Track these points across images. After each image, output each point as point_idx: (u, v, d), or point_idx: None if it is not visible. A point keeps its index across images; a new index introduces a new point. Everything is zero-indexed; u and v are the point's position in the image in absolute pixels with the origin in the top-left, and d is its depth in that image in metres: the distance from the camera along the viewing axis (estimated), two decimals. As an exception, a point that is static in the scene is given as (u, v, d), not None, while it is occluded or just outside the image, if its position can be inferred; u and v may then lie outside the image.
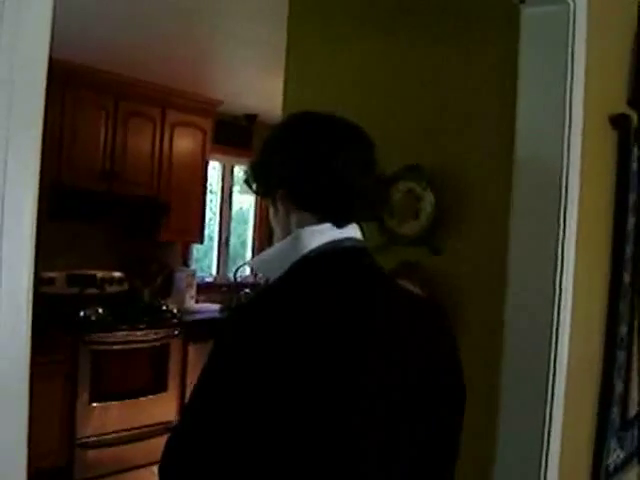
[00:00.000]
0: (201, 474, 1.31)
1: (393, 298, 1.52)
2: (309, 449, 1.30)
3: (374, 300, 1.46)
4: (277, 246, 1.53)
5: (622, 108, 2.60)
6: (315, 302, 1.38)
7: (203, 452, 1.29)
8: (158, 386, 6.00)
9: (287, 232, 1.51)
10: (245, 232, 8.31)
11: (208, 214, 7.33)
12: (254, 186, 1.58)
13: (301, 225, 1.47)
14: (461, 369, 1.56)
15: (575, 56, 2.14)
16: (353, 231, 1.49)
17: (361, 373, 1.36)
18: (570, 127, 2.14)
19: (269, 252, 1.55)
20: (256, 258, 1.65)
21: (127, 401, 5.75)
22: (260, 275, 7.47)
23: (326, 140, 1.49)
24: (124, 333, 5.78)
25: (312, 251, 1.44)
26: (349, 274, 1.46)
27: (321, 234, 1.45)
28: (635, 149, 2.60)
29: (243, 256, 8.15)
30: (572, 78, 2.13)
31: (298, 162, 1.48)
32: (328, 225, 1.46)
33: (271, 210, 1.57)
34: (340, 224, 1.47)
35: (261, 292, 1.61)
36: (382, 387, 1.38)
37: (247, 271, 7.63)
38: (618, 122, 2.51)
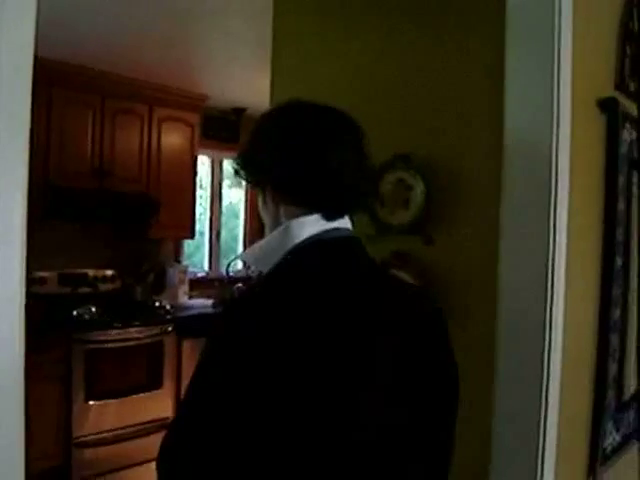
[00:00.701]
0: (198, 468, 1.30)
1: (385, 288, 1.52)
2: (305, 442, 1.30)
3: (367, 290, 1.45)
4: (267, 238, 1.52)
5: (610, 92, 2.60)
6: (308, 293, 1.37)
7: (199, 447, 1.29)
8: (153, 383, 6.00)
9: (277, 223, 1.50)
10: (236, 226, 8.30)
11: (198, 209, 7.31)
12: (243, 175, 1.56)
13: (290, 217, 1.46)
14: (453, 358, 1.56)
15: (562, 40, 2.14)
16: (343, 221, 1.49)
17: (358, 364, 1.35)
18: (559, 112, 2.14)
19: (259, 244, 1.53)
20: (247, 251, 1.63)
21: (123, 399, 5.75)
22: (252, 268, 7.47)
23: (315, 132, 1.46)
24: (118, 331, 5.78)
25: (302, 242, 1.43)
26: (340, 264, 1.45)
27: (311, 225, 1.44)
28: (624, 132, 2.60)
29: (235, 250, 8.15)
30: (559, 62, 2.13)
31: (286, 156, 1.46)
32: (317, 216, 1.45)
33: (260, 200, 1.56)
34: (331, 217, 1.46)
35: (254, 285, 1.60)
36: (379, 377, 1.38)
37: (239, 265, 7.63)
38: (606, 106, 2.52)
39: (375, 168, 1.56)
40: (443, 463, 1.54)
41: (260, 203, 1.56)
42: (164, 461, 1.35)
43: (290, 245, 1.44)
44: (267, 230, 1.55)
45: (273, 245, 1.48)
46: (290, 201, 1.47)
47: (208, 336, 1.38)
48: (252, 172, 1.55)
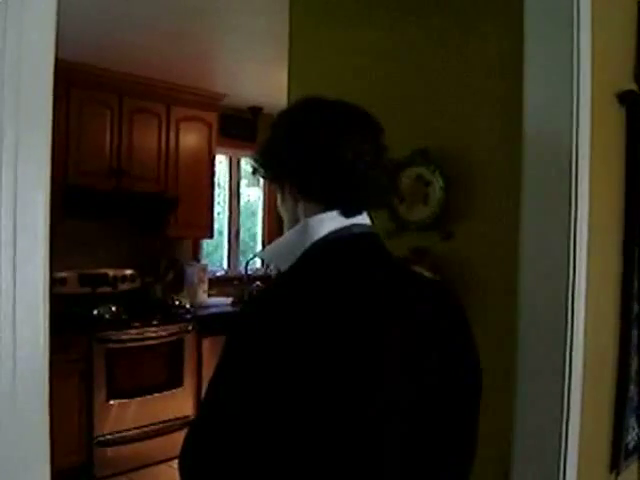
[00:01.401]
0: (219, 467, 1.30)
1: (406, 283, 1.52)
2: (326, 441, 1.29)
3: (388, 286, 1.45)
4: (286, 236, 1.52)
5: (629, 84, 2.58)
6: (328, 291, 1.37)
7: (221, 445, 1.29)
8: (174, 381, 6.02)
9: (295, 219, 1.50)
10: (254, 225, 8.30)
11: (217, 208, 7.32)
12: (262, 172, 1.56)
13: (309, 213, 1.46)
14: (476, 352, 1.55)
15: (581, 32, 2.12)
16: (361, 217, 1.48)
17: (381, 363, 1.35)
18: (578, 104, 2.12)
19: (278, 242, 1.54)
20: (266, 249, 1.63)
21: (144, 397, 5.76)
22: (271, 266, 7.48)
23: (331, 126, 1.46)
24: (138, 330, 5.80)
25: (321, 239, 1.43)
26: (360, 260, 1.45)
27: (329, 222, 1.44)
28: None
29: (253, 249, 8.15)
30: (579, 54, 2.12)
31: (305, 153, 1.45)
32: (336, 212, 1.45)
33: (279, 198, 1.56)
34: (349, 214, 1.45)
35: (273, 283, 1.59)
36: (401, 376, 1.37)
37: (258, 263, 7.64)
38: (626, 98, 2.50)
39: (394, 163, 1.54)
40: (466, 456, 1.53)
41: (279, 200, 1.56)
42: (186, 460, 1.35)
43: (309, 242, 1.43)
44: (286, 227, 1.55)
45: (292, 242, 1.48)
46: (308, 198, 1.47)
47: (227, 334, 1.37)
48: (270, 169, 1.55)
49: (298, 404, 1.27)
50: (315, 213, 1.45)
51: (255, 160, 1.57)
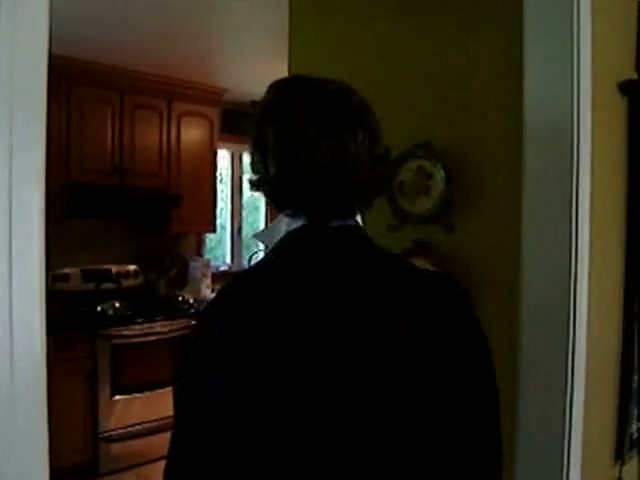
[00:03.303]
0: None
1: (395, 272, 1.36)
2: (323, 430, 1.20)
3: (359, 280, 1.30)
4: (279, 218, 1.38)
5: (630, 74, 2.57)
6: (295, 282, 1.27)
7: (203, 459, 1.25)
8: (178, 377, 6.02)
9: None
10: (257, 219, 8.30)
11: (219, 203, 7.32)
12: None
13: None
14: (478, 338, 1.37)
15: (581, 22, 2.11)
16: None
17: (351, 357, 1.23)
18: (579, 95, 2.11)
19: (271, 225, 1.41)
20: (260, 230, 1.54)
21: (148, 393, 5.78)
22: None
23: (286, 119, 1.30)
24: (142, 326, 5.81)
25: (295, 230, 1.32)
26: (332, 253, 1.31)
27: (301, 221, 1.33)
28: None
29: (256, 243, 8.15)
30: (579, 45, 2.11)
31: (257, 153, 1.34)
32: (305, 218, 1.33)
33: None
34: (324, 220, 1.32)
35: (237, 276, 1.45)
36: (377, 370, 1.24)
37: (261, 257, 7.63)
38: (627, 88, 2.49)
39: (382, 151, 1.36)
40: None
41: None
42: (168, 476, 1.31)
43: (284, 230, 1.33)
44: None
45: (274, 228, 1.37)
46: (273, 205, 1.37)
47: (185, 341, 1.33)
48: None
49: (265, 408, 1.20)
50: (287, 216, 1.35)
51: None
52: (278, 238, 1.35)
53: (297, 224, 1.32)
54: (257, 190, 1.36)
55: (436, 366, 1.27)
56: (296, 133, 1.27)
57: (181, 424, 1.29)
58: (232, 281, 1.40)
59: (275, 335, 1.22)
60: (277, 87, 1.41)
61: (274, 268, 1.33)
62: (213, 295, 1.39)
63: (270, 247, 1.37)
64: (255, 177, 1.35)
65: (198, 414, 1.25)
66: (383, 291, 1.30)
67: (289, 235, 1.33)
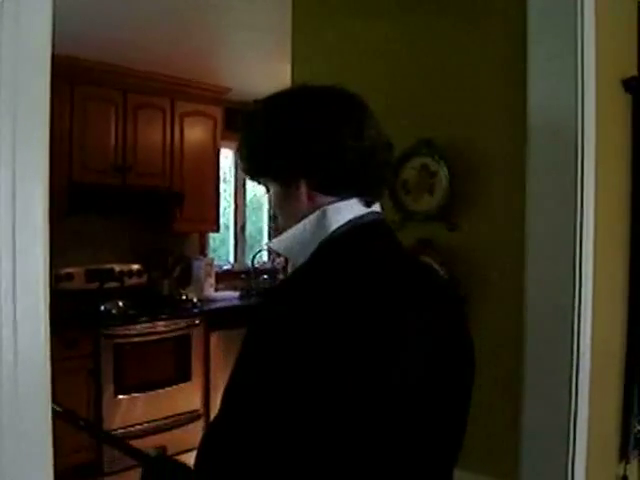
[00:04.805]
0: (239, 471, 1.25)
1: (422, 276, 1.50)
2: (351, 441, 1.24)
3: (408, 280, 1.41)
4: (299, 226, 1.42)
5: (634, 71, 2.56)
6: (353, 287, 1.30)
7: (241, 449, 1.24)
8: (182, 376, 6.02)
9: (301, 214, 1.42)
10: (260, 218, 8.31)
11: (223, 202, 7.32)
12: (253, 172, 1.51)
13: (322, 205, 1.40)
14: (472, 345, 1.51)
15: (585, 20, 2.11)
16: (376, 205, 1.45)
17: (403, 361, 1.31)
18: (583, 92, 2.11)
19: (291, 233, 1.44)
20: (278, 240, 1.53)
21: (152, 392, 5.77)
22: (278, 260, 7.48)
23: (346, 115, 1.41)
24: (145, 325, 5.80)
25: (338, 229, 1.37)
26: (384, 248, 1.42)
27: (348, 209, 1.39)
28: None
29: (260, 242, 8.15)
30: (582, 43, 2.10)
31: (321, 148, 1.38)
32: (354, 200, 1.40)
33: (279, 193, 1.47)
34: (369, 202, 1.42)
35: (294, 275, 1.46)
36: (417, 376, 1.34)
37: (265, 257, 7.63)
38: (631, 85, 2.48)
39: (391, 143, 1.49)
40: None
41: (279, 195, 1.48)
42: (203, 463, 1.30)
43: (328, 231, 1.38)
44: (284, 223, 1.48)
45: (307, 233, 1.41)
46: (326, 190, 1.41)
47: (248, 331, 1.30)
48: (272, 167, 1.45)
49: (321, 406, 1.22)
50: (331, 203, 1.40)
51: (246, 158, 1.51)
52: (309, 246, 1.39)
53: (339, 214, 1.39)
54: (311, 173, 1.41)
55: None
56: (356, 123, 1.41)
57: (247, 403, 1.27)
58: (300, 275, 1.42)
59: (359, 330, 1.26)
60: (313, 92, 1.48)
61: (337, 265, 1.37)
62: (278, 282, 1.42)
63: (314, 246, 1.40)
64: (310, 162, 1.40)
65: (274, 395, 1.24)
66: (419, 295, 1.41)
67: (341, 235, 1.38)
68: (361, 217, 1.40)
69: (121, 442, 2.19)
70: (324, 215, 1.39)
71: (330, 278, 1.32)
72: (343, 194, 1.40)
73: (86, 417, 5.26)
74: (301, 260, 1.41)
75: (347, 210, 1.40)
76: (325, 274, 1.34)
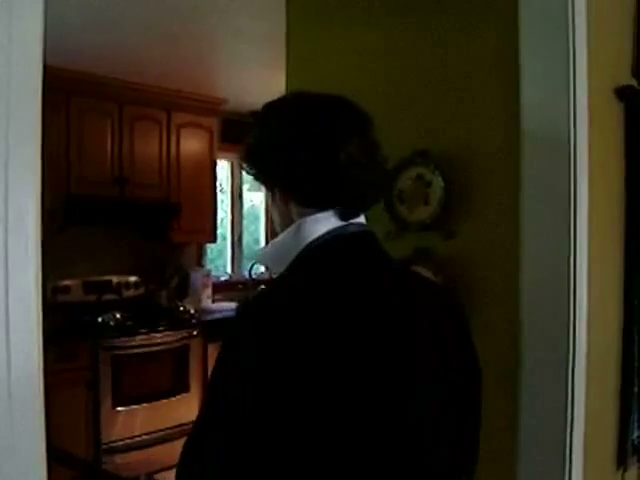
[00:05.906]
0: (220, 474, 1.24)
1: (411, 285, 1.47)
2: (348, 438, 1.22)
3: (394, 288, 1.39)
4: (279, 238, 1.44)
5: (627, 79, 2.57)
6: (326, 294, 1.29)
7: (218, 457, 1.24)
8: (180, 387, 6.02)
9: (287, 220, 1.42)
10: (258, 229, 8.31)
11: (220, 213, 7.32)
12: (253, 173, 1.48)
13: (302, 215, 1.39)
14: (475, 352, 1.51)
15: (577, 28, 2.12)
16: (358, 217, 1.42)
17: (380, 366, 1.28)
18: (575, 101, 2.12)
19: (272, 244, 1.46)
20: (260, 251, 1.54)
21: (150, 404, 5.77)
22: (275, 270, 7.47)
23: (321, 125, 1.37)
24: (143, 336, 5.80)
25: (316, 239, 1.36)
26: (360, 262, 1.38)
27: (325, 221, 1.37)
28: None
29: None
30: (574, 51, 2.11)
31: (292, 153, 1.37)
32: (333, 212, 1.37)
33: (269, 197, 1.48)
34: (346, 217, 1.38)
35: (268, 288, 1.45)
36: (404, 377, 1.31)
37: (262, 267, 7.64)
38: (625, 94, 2.49)
39: (387, 159, 1.46)
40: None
41: (269, 199, 1.48)
42: (183, 468, 1.30)
43: (303, 243, 1.36)
44: (277, 229, 1.48)
45: (286, 244, 1.40)
46: (301, 202, 1.40)
47: (222, 343, 1.31)
48: (259, 171, 1.46)
49: (295, 415, 1.20)
50: (309, 214, 1.38)
51: (244, 160, 1.50)
52: (287, 257, 1.38)
53: (315, 226, 1.37)
54: (285, 184, 1.40)
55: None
56: (334, 135, 1.37)
57: (218, 412, 1.28)
58: (274, 286, 1.43)
59: (328, 337, 1.24)
60: (302, 100, 1.46)
61: (314, 274, 1.36)
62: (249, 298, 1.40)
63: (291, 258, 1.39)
64: (284, 173, 1.39)
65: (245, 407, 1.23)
66: (410, 300, 1.40)
67: (317, 247, 1.36)
68: (342, 228, 1.38)
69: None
70: (302, 226, 1.38)
71: (302, 291, 1.31)
72: (320, 206, 1.38)
73: (85, 429, 5.26)
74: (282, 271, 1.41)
75: (326, 221, 1.37)
76: (298, 287, 1.33)
